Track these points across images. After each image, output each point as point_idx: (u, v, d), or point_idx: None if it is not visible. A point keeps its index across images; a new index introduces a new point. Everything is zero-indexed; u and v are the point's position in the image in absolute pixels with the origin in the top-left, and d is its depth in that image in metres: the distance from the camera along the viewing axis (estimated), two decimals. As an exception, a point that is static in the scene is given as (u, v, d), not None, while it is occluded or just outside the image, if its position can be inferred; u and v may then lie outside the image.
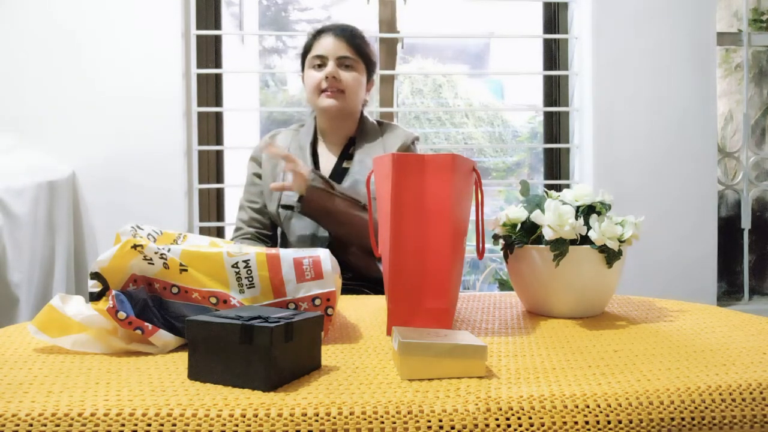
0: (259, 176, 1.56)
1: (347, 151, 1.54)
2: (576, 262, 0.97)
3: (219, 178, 2.22)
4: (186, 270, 0.84)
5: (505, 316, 1.04)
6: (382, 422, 0.59)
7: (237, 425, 0.57)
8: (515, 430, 0.60)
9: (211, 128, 2.19)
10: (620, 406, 0.62)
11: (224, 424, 0.57)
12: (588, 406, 0.61)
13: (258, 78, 4.28)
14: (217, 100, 2.22)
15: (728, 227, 2.37)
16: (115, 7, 1.99)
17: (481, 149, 4.40)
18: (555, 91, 2.30)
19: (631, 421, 0.61)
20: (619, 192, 2.00)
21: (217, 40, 2.21)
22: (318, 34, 1.52)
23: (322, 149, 1.56)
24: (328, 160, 1.54)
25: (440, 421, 0.59)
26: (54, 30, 1.98)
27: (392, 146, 1.52)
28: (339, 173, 1.51)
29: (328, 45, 1.48)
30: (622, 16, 2.10)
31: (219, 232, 2.22)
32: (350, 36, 1.49)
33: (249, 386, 0.64)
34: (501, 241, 1.07)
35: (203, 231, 2.15)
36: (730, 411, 0.63)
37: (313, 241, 1.46)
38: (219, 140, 2.22)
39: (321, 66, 1.49)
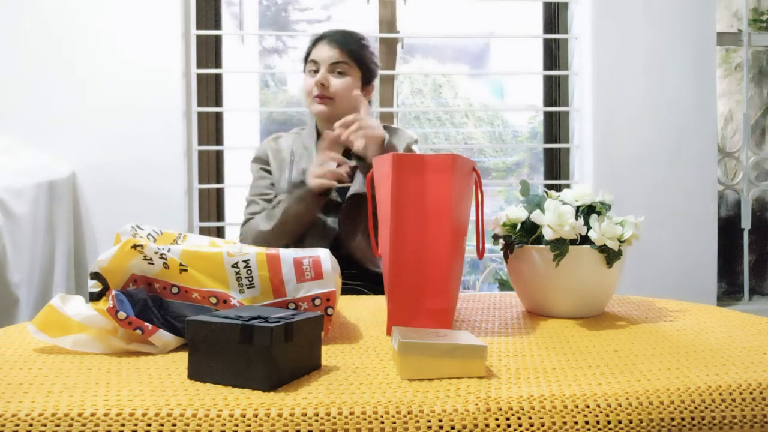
0: (268, 171, 1.59)
1: (349, 152, 1.54)
2: (576, 262, 0.97)
3: (219, 179, 2.22)
4: (186, 270, 0.84)
5: (505, 316, 1.04)
6: (382, 422, 0.59)
7: (237, 425, 0.57)
8: (515, 430, 0.60)
9: (211, 128, 2.19)
10: (620, 406, 0.62)
11: (224, 424, 0.57)
12: (588, 406, 0.61)
13: (258, 78, 4.28)
14: (217, 100, 2.22)
15: (728, 227, 2.37)
16: (115, 8, 1.99)
17: (481, 149, 4.40)
18: (555, 91, 2.30)
19: (631, 421, 0.61)
20: (619, 192, 1.99)
21: (217, 40, 2.21)
22: (317, 41, 1.56)
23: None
24: None
25: (440, 421, 0.59)
26: (53, 30, 1.98)
27: (396, 148, 1.54)
28: None
29: (321, 52, 1.52)
30: (622, 16, 2.10)
31: (219, 232, 2.22)
32: (344, 42, 1.52)
33: (249, 386, 0.64)
34: (501, 241, 1.07)
35: (203, 231, 2.15)
36: (730, 411, 0.63)
37: (323, 227, 1.47)
38: (219, 140, 2.22)
39: (315, 72, 1.52)
